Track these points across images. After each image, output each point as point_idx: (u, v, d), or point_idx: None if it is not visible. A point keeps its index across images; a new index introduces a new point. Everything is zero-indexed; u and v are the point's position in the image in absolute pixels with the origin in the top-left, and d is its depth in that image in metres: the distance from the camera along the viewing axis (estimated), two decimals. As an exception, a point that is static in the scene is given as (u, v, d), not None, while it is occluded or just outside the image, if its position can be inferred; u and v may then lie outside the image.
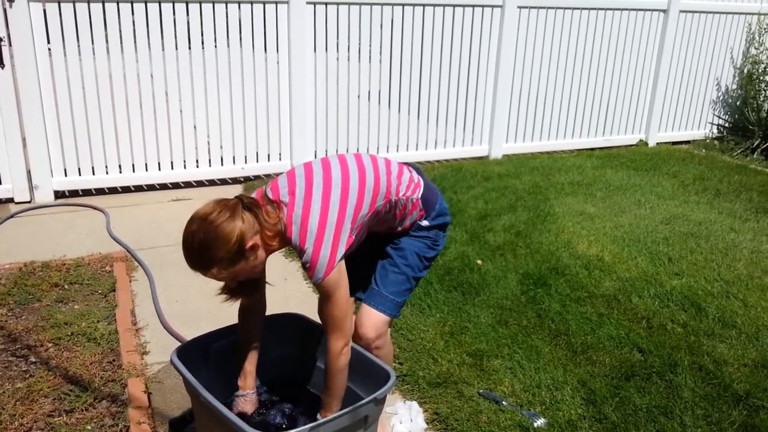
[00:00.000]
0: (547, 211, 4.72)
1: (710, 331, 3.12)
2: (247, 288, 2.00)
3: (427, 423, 2.44)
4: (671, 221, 4.63)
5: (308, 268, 1.85)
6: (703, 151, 7.09)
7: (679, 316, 3.26)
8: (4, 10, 4.42)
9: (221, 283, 1.94)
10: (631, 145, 7.26)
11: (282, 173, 2.00)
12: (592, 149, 6.96)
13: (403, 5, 5.64)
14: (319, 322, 2.16)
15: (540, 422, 2.42)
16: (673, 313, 3.28)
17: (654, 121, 7.29)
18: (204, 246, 1.75)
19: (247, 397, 2.13)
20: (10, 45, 4.51)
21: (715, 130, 7.73)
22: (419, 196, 2.13)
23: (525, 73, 6.39)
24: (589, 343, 2.98)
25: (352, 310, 1.96)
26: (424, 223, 2.17)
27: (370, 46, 5.66)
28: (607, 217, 4.67)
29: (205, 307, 3.30)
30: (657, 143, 7.38)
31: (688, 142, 7.55)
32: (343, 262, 1.89)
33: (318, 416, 1.96)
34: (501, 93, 6.29)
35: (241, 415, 2.05)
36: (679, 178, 5.82)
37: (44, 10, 4.53)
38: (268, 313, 2.20)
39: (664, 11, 6.86)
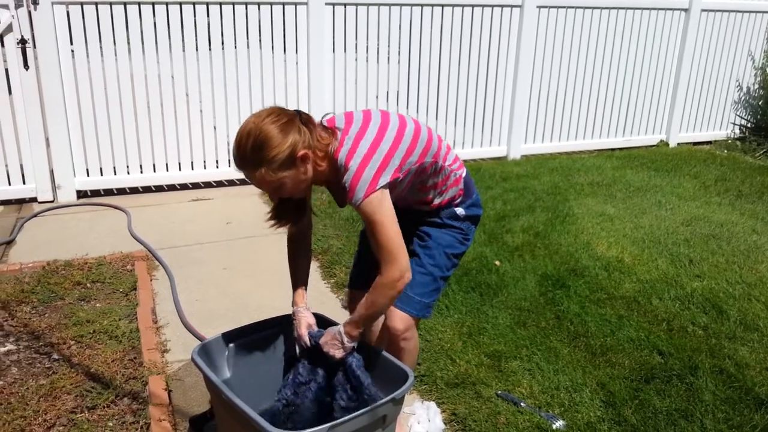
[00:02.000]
0: (566, 212, 4.70)
1: (732, 333, 3.09)
2: (293, 212, 2.01)
3: (445, 423, 2.44)
4: (692, 223, 4.59)
5: (349, 188, 1.81)
6: (725, 151, 7.01)
7: (700, 318, 3.23)
8: (29, 13, 4.49)
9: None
10: (652, 146, 7.20)
11: None
12: (612, 150, 6.91)
13: (422, 5, 5.64)
14: (337, 321, 2.17)
15: (559, 424, 2.41)
16: (694, 316, 3.25)
17: (675, 122, 7.22)
18: (257, 144, 1.75)
19: (302, 312, 2.11)
20: (35, 47, 4.59)
21: (737, 131, 7.64)
22: (462, 175, 2.15)
23: (544, 73, 6.36)
24: (608, 345, 2.96)
25: (403, 242, 1.85)
26: (460, 211, 2.16)
27: (388, 46, 5.67)
28: (627, 219, 4.63)
29: (225, 305, 3.33)
30: (678, 144, 7.31)
31: (709, 142, 7.47)
32: (388, 194, 1.84)
33: (340, 327, 1.94)
34: (520, 93, 6.27)
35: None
36: (700, 179, 5.76)
37: (67, 12, 4.60)
38: (286, 313, 2.21)
39: (686, 10, 6.79)
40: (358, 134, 1.86)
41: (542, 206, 4.82)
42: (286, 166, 1.78)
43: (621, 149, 6.94)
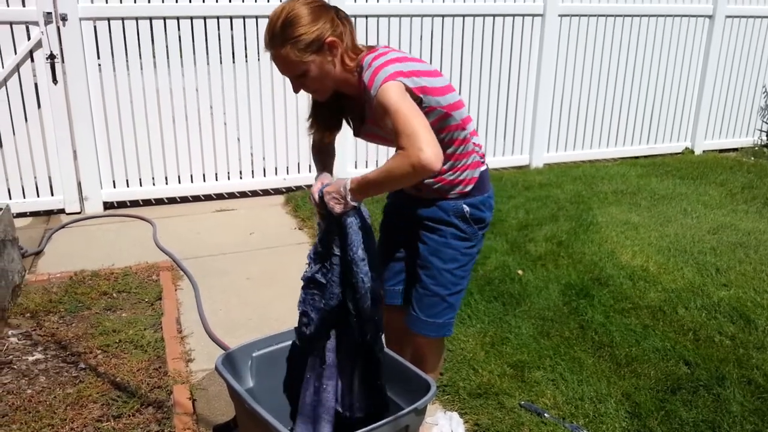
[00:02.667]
0: (590, 220, 4.66)
1: (760, 343, 3.03)
2: (328, 118, 2.02)
3: (468, 434, 2.43)
4: (719, 231, 4.52)
5: (368, 81, 1.76)
6: (752, 158, 6.90)
7: (727, 328, 3.18)
8: (58, 29, 4.59)
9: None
10: (677, 153, 7.12)
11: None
12: (636, 157, 6.84)
13: (443, 16, 5.66)
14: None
15: (583, 435, 2.38)
16: (721, 325, 3.20)
17: (700, 129, 7.14)
18: (288, 19, 1.76)
19: (323, 175, 2.03)
20: (63, 62, 4.68)
21: (764, 137, 7.52)
22: (481, 166, 2.07)
23: (567, 82, 6.33)
24: (633, 355, 2.92)
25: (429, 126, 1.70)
26: (466, 208, 2.03)
27: (410, 54, 5.67)
28: (652, 227, 4.58)
29: (248, 316, 3.35)
30: (703, 151, 7.22)
31: (735, 149, 7.36)
32: (404, 89, 1.75)
33: (348, 181, 1.80)
34: (542, 102, 6.25)
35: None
36: (726, 186, 5.68)
37: (95, 27, 4.70)
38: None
39: (710, 17, 6.72)
40: (390, 48, 1.86)
41: (565, 215, 4.79)
42: (313, 49, 1.77)
43: (645, 157, 6.87)
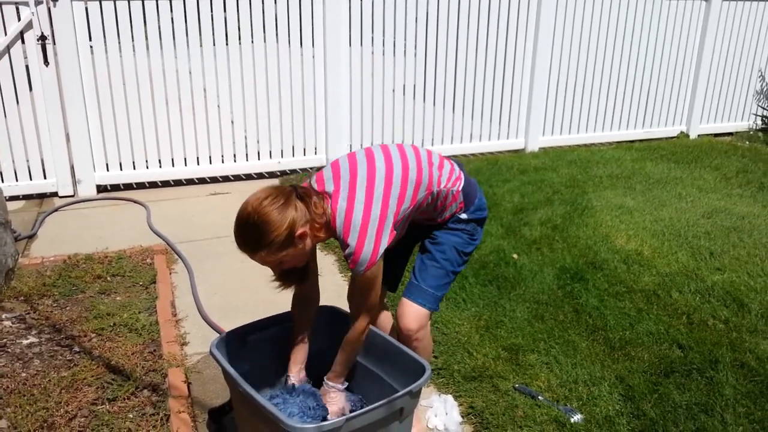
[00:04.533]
0: (585, 204, 4.66)
1: (753, 327, 3.05)
2: (295, 276, 2.04)
3: (462, 416, 2.44)
4: (713, 215, 4.53)
5: (350, 261, 1.89)
6: (747, 143, 6.91)
7: (720, 311, 3.20)
8: (48, 10, 4.53)
9: (268, 273, 1.98)
10: (672, 137, 7.12)
11: (321, 167, 2.02)
12: (632, 141, 6.84)
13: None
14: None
15: (576, 418, 2.40)
16: (715, 309, 3.22)
17: (695, 113, 7.13)
18: (256, 229, 1.79)
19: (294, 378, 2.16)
20: (54, 43, 4.63)
21: (759, 122, 7.53)
22: (460, 188, 2.14)
23: (562, 65, 6.31)
24: (627, 338, 2.94)
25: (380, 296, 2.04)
26: (463, 216, 2.18)
27: (405, 39, 5.65)
28: (646, 211, 4.59)
29: (243, 299, 3.35)
30: (698, 135, 7.22)
31: (731, 134, 7.37)
32: (381, 262, 1.94)
33: (325, 379, 2.09)
34: (538, 85, 6.23)
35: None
36: (721, 170, 5.69)
37: (86, 9, 4.64)
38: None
39: (706, 0, 6.70)
40: (348, 205, 1.87)
41: (560, 199, 4.79)
42: (285, 246, 1.82)
43: (640, 141, 6.87)
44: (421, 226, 2.20)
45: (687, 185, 5.23)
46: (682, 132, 7.18)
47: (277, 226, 1.78)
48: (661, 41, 6.67)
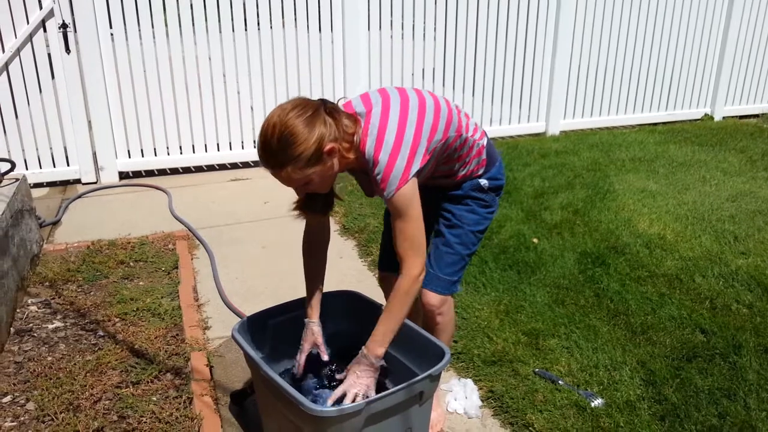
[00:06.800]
0: (607, 188, 4.61)
1: (778, 312, 3.01)
2: (319, 204, 1.94)
3: (482, 400, 2.45)
4: (737, 198, 4.46)
5: (380, 181, 1.76)
6: (774, 125, 6.79)
7: (744, 296, 3.15)
8: (69, -3, 4.57)
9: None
10: (696, 120, 7.01)
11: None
12: (655, 124, 6.75)
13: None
14: (374, 299, 2.18)
15: (597, 402, 2.39)
16: (738, 294, 3.18)
17: (720, 95, 7.01)
18: (282, 142, 1.66)
19: (315, 325, 2.11)
20: (75, 31, 4.66)
21: (786, 103, 7.38)
22: (485, 143, 2.12)
23: (584, 47, 6.22)
24: (649, 323, 2.91)
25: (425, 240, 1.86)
26: (483, 182, 2.14)
27: (424, 23, 5.61)
28: (669, 195, 4.53)
29: (263, 284, 3.37)
30: (723, 117, 7.10)
31: (756, 115, 7.23)
32: (416, 185, 1.80)
33: (363, 349, 1.86)
34: (559, 68, 6.15)
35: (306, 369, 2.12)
36: (746, 153, 5.59)
37: (106, -4, 4.66)
38: (325, 291, 2.22)
39: (733, -22, 6.56)
40: (381, 122, 1.79)
41: (582, 183, 4.75)
42: (313, 162, 1.70)
43: (664, 124, 6.77)
44: (435, 191, 2.13)
45: (711, 168, 5.15)
46: (706, 114, 7.06)
47: (305, 138, 1.65)
48: (685, 21, 6.55)
